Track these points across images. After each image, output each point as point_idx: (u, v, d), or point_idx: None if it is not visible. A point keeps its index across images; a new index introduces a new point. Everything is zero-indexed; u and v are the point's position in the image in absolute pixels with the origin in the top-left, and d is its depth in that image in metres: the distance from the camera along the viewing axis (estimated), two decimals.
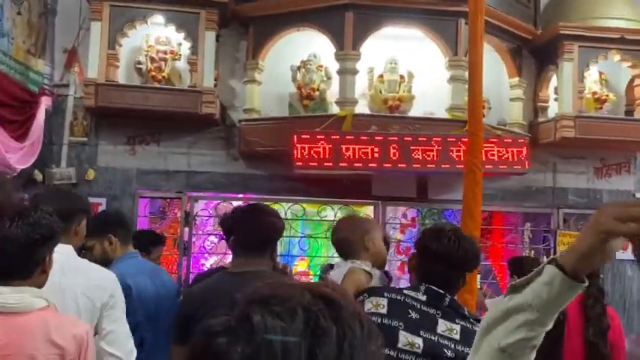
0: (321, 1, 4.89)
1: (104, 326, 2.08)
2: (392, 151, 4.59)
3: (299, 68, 5.13)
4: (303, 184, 5.08)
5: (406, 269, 5.73)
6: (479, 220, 3.04)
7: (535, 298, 0.82)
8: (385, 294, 1.86)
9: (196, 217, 5.22)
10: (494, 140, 4.81)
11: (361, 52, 4.90)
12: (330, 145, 4.56)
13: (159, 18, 4.86)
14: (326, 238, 5.20)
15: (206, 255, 5.60)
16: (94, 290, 2.08)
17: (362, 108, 5.01)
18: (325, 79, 5.11)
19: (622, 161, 5.62)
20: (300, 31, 5.11)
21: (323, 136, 4.58)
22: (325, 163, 4.55)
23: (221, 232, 2.46)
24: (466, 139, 4.56)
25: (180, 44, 4.98)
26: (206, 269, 4.95)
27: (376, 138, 4.63)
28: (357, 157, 4.57)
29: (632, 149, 5.53)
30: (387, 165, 4.61)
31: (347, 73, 4.89)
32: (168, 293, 2.94)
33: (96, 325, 2.08)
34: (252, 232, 2.13)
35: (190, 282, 4.35)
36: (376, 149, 4.57)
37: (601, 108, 5.38)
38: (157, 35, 4.99)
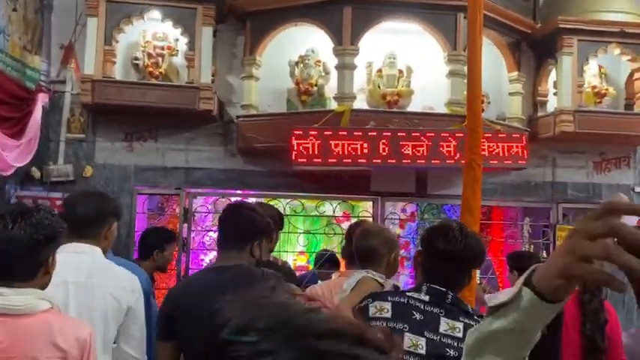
0: None
1: (127, 328, 2.12)
2: (381, 146, 4.57)
3: (297, 63, 5.10)
4: (302, 180, 5.07)
5: (405, 264, 5.75)
6: (478, 216, 3.04)
7: (517, 323, 0.80)
8: (389, 298, 1.87)
9: (195, 213, 5.20)
10: (493, 135, 4.79)
11: (359, 47, 4.87)
12: (320, 141, 4.54)
13: (155, 13, 4.83)
14: (325, 233, 5.20)
15: (205, 251, 5.60)
16: (122, 292, 2.12)
17: (360, 103, 4.99)
18: (323, 74, 5.08)
19: (621, 155, 5.61)
20: (298, 26, 5.08)
21: (316, 132, 4.57)
22: (315, 160, 4.54)
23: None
24: (460, 135, 4.61)
25: (177, 40, 4.95)
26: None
27: (370, 134, 4.61)
28: (346, 152, 4.55)
29: (632, 143, 5.52)
30: (376, 160, 4.60)
31: (345, 68, 4.86)
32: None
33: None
34: (230, 228, 2.21)
35: None
36: (365, 145, 4.55)
37: (600, 102, 5.36)
38: (154, 31, 4.96)
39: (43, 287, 1.73)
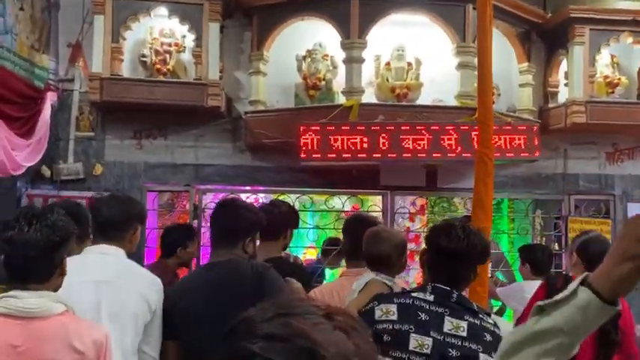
0: None
1: (149, 327, 2.14)
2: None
3: (304, 58, 5.07)
4: (310, 175, 5.05)
5: (415, 258, 5.73)
6: (490, 211, 3.01)
7: (568, 323, 0.78)
8: (394, 299, 1.90)
9: (205, 210, 5.21)
10: (504, 127, 4.75)
11: (367, 40, 4.83)
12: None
13: (162, 10, 4.82)
14: (334, 228, 5.19)
15: None
16: (153, 293, 2.16)
17: (369, 97, 4.95)
18: (331, 68, 5.05)
19: (634, 146, 5.54)
20: (305, 20, 5.04)
21: (318, 128, 4.55)
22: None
23: None
24: (464, 127, 4.57)
25: (184, 36, 4.93)
26: None
27: (372, 128, 4.60)
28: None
29: None
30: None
31: (353, 61, 4.83)
32: None
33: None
34: (221, 226, 2.24)
35: None
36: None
37: (613, 92, 5.29)
38: (161, 27, 4.95)
39: (57, 289, 1.74)
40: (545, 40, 5.46)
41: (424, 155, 4.61)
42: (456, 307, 1.85)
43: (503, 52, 5.11)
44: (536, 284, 3.23)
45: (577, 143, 5.46)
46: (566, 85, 5.30)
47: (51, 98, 4.71)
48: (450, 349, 1.78)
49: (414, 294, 1.90)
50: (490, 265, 4.40)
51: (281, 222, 2.84)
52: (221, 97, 4.81)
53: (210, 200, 5.35)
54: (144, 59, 4.92)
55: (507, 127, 4.79)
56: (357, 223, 2.61)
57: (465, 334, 1.80)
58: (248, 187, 5.25)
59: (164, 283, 2.26)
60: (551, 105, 5.39)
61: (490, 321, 1.89)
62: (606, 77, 5.28)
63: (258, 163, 5.16)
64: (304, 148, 4.54)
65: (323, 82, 5.01)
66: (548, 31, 5.37)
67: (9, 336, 1.63)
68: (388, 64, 5.06)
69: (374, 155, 4.59)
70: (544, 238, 5.57)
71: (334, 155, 4.56)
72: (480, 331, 1.83)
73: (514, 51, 5.34)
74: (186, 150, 5.13)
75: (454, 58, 4.94)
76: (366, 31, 4.82)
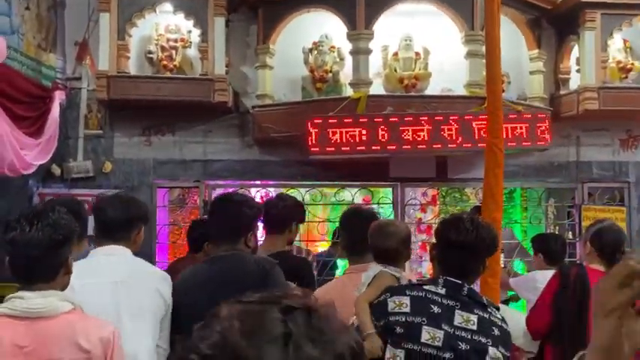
0: None
1: (162, 322, 2.17)
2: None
3: (311, 50, 5.03)
4: (319, 169, 5.03)
5: (428, 249, 5.69)
6: (501, 201, 2.96)
7: None
8: (407, 292, 1.92)
9: None
10: (515, 116, 4.68)
11: (374, 31, 4.78)
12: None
13: (167, 6, 4.80)
14: None
15: None
16: (166, 287, 2.19)
17: (377, 88, 4.90)
18: (338, 60, 5.00)
19: None
20: (311, 12, 5.00)
21: (320, 121, 4.54)
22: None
23: None
24: (468, 117, 4.51)
25: (190, 32, 4.92)
26: None
27: (375, 120, 4.56)
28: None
29: None
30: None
31: (360, 53, 4.78)
32: None
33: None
34: (220, 221, 2.25)
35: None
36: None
37: (626, 77, 5.18)
38: (167, 23, 4.94)
39: (64, 287, 1.74)
40: (556, 26, 5.36)
41: (424, 146, 4.57)
42: (467, 300, 1.88)
43: (513, 39, 5.03)
44: (549, 274, 3.18)
45: (590, 130, 5.37)
46: (577, 71, 5.21)
47: (59, 97, 4.72)
48: (460, 342, 1.81)
49: (426, 287, 1.92)
50: (503, 255, 4.37)
51: (287, 216, 2.83)
52: (228, 92, 4.80)
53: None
54: (150, 56, 4.92)
55: (528, 115, 4.72)
56: (355, 218, 2.56)
57: (474, 327, 1.83)
58: (257, 182, 5.23)
59: None
60: (562, 92, 5.30)
61: (498, 315, 1.92)
62: (619, 62, 5.18)
63: (266, 158, 5.14)
64: (314, 142, 4.52)
65: (330, 75, 4.97)
66: (559, 16, 5.27)
67: (15, 337, 1.63)
68: (396, 54, 5.01)
69: (387, 147, 4.54)
70: (557, 227, 5.50)
71: (348, 148, 4.53)
72: (489, 325, 1.86)
73: (524, 38, 5.26)
74: (194, 146, 5.13)
75: (463, 46, 4.88)
76: (372, 22, 4.76)
